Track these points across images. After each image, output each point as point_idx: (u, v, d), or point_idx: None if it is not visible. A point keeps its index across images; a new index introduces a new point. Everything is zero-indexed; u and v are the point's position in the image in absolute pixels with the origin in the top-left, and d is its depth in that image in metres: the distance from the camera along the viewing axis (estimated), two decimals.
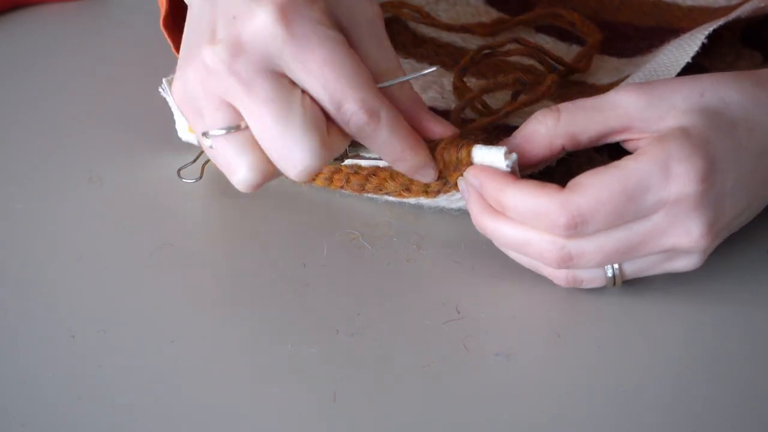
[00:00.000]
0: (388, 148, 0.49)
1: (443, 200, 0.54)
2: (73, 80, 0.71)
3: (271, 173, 0.47)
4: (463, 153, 0.50)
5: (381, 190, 0.55)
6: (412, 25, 0.68)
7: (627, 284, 0.51)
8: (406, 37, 0.67)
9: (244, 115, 0.46)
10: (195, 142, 0.60)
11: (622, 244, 0.47)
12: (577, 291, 0.51)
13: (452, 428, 0.44)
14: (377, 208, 0.57)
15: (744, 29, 0.65)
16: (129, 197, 0.58)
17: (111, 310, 0.50)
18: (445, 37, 0.68)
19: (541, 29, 0.69)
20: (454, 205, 0.54)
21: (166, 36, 0.59)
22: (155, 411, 0.45)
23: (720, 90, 0.49)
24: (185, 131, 0.60)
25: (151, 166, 0.60)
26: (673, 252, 0.48)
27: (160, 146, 0.62)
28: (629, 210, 0.46)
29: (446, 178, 0.51)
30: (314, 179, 0.56)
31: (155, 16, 0.60)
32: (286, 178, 0.47)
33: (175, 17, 0.58)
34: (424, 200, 0.54)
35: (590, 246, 0.48)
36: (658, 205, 0.46)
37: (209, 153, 0.48)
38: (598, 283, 0.50)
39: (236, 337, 0.49)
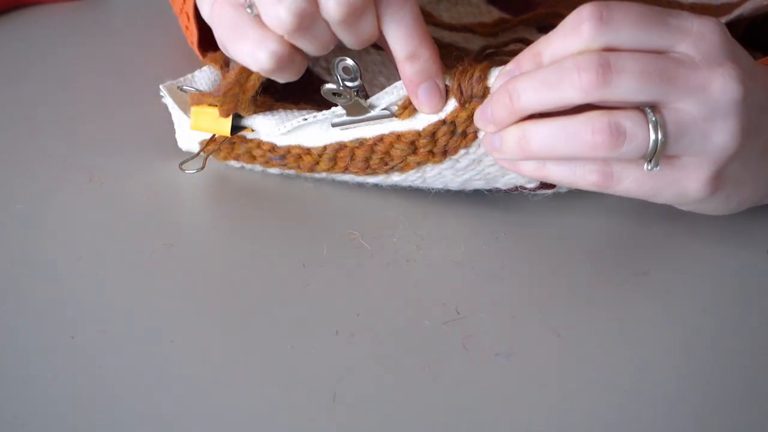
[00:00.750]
0: (409, 37, 0.49)
1: (449, 173, 0.54)
2: (73, 80, 0.71)
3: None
4: (477, 72, 0.50)
5: (389, 159, 0.54)
6: None
7: (625, 284, 0.51)
8: None
9: None
10: (195, 150, 0.60)
11: (658, 65, 0.45)
12: (576, 291, 0.51)
13: (452, 429, 0.44)
14: (377, 208, 0.57)
15: (745, 29, 0.65)
16: (129, 197, 0.58)
17: (111, 311, 0.50)
18: (447, 37, 0.68)
19: (543, 29, 0.69)
20: (459, 179, 0.54)
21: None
22: (155, 411, 0.45)
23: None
24: (185, 141, 0.60)
25: (151, 166, 0.60)
26: (709, 98, 0.46)
27: (160, 146, 0.62)
28: (653, 21, 0.46)
29: (456, 118, 0.51)
30: (318, 163, 0.56)
31: (155, 16, 0.61)
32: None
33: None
34: (429, 171, 0.54)
35: (627, 58, 0.45)
36: (682, 30, 0.46)
37: (247, 32, 0.49)
38: (642, 136, 0.46)
39: (236, 338, 0.49)
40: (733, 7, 0.64)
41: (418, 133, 0.52)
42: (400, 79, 0.51)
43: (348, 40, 0.50)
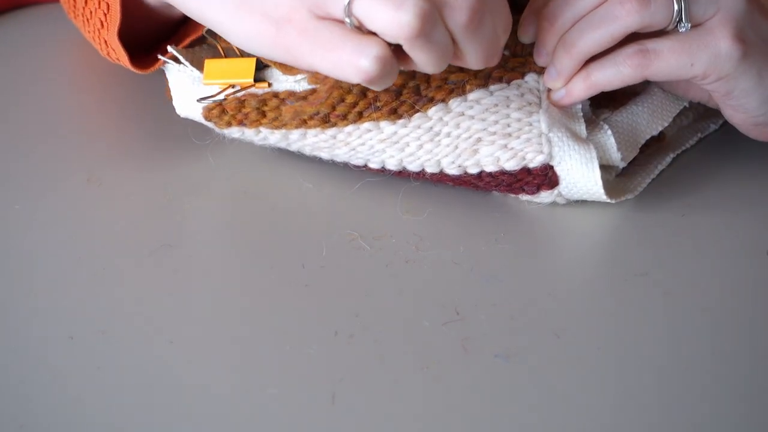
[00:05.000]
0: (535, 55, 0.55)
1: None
2: (72, 80, 0.71)
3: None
4: None
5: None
6: None
7: (625, 284, 0.51)
8: None
9: None
10: (195, 118, 0.59)
11: None
12: (575, 291, 0.51)
13: (451, 430, 0.44)
14: (376, 208, 0.57)
15: None
16: (128, 198, 0.58)
17: (110, 311, 0.50)
18: None
19: None
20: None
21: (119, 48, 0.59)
22: (154, 412, 0.45)
23: None
24: (183, 107, 0.60)
25: (150, 167, 0.60)
26: None
27: (159, 147, 0.62)
28: None
29: None
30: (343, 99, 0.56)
31: None
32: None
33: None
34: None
35: None
36: None
37: (345, 44, 0.47)
38: (666, 5, 0.51)
39: (235, 338, 0.49)
40: None
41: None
42: None
43: (472, 50, 0.49)
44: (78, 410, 0.45)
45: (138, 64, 0.60)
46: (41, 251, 0.55)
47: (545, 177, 0.55)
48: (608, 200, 0.55)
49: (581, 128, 0.55)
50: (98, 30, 0.60)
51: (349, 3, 0.46)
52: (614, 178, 0.58)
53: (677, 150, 0.60)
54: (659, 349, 0.49)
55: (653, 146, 0.60)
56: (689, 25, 0.52)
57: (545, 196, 0.56)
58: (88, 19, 0.61)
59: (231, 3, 0.50)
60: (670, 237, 0.55)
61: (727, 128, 0.60)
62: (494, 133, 0.54)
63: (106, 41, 0.60)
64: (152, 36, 0.62)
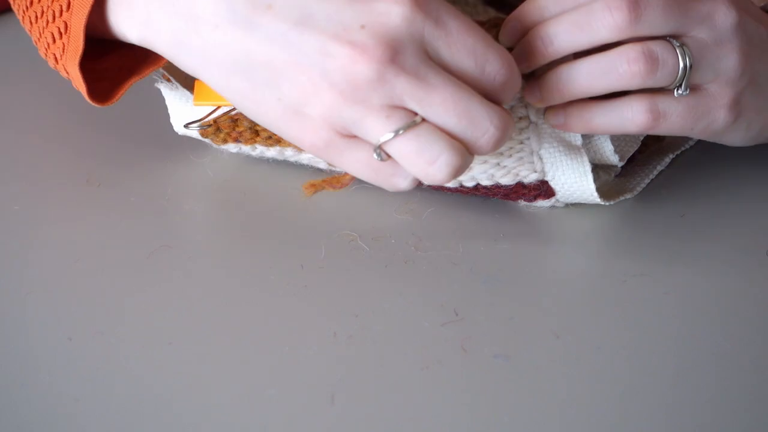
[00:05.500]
0: (525, 91, 0.52)
1: None
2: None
3: (465, 152, 0.47)
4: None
5: None
6: None
7: (625, 284, 0.51)
8: None
9: (419, 109, 0.46)
10: (193, 135, 0.60)
11: None
12: (575, 292, 0.51)
13: (451, 430, 0.44)
14: (375, 209, 0.57)
15: None
16: (127, 199, 0.58)
17: (108, 312, 0.50)
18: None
19: None
20: None
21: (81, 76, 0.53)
22: (153, 413, 0.45)
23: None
24: (180, 126, 0.60)
25: (149, 167, 0.60)
26: (714, 24, 0.51)
27: (158, 148, 0.62)
28: None
29: None
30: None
31: None
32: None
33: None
34: None
35: None
36: None
37: (378, 167, 0.48)
38: (672, 62, 0.50)
39: (234, 339, 0.49)
40: None
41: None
42: None
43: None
44: (77, 411, 0.45)
45: (96, 94, 0.55)
46: (40, 252, 0.55)
47: (541, 190, 0.55)
48: (606, 203, 0.55)
49: (576, 136, 0.54)
50: (49, 45, 0.54)
51: (381, 144, 0.47)
52: (613, 178, 0.58)
53: (676, 150, 0.60)
54: (659, 349, 0.49)
55: (652, 147, 0.60)
56: (687, 91, 0.51)
57: (543, 203, 0.56)
58: (33, 23, 0.55)
59: (246, 83, 0.47)
60: (670, 237, 0.55)
61: None
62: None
63: (65, 68, 0.54)
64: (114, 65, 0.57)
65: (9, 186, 0.59)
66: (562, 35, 0.50)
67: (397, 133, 0.46)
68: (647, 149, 0.60)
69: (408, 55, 0.45)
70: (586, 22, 0.49)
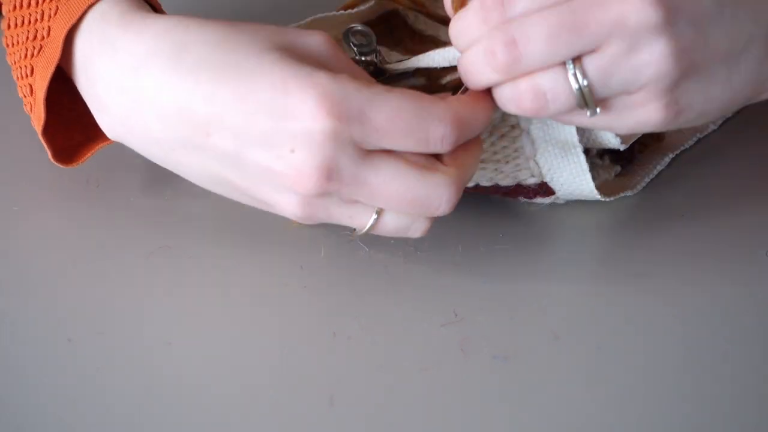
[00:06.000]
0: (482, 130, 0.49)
1: None
2: None
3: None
4: None
5: None
6: (411, 21, 0.67)
7: (625, 284, 0.51)
8: (405, 33, 0.67)
9: (372, 204, 0.47)
10: None
11: (565, 17, 0.43)
12: (574, 292, 0.51)
13: (450, 431, 0.44)
14: None
15: None
16: (126, 199, 0.58)
17: (108, 313, 0.50)
18: (444, 35, 0.67)
19: None
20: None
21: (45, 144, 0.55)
22: (152, 413, 0.45)
23: None
24: None
25: (148, 168, 0.60)
26: (627, 31, 0.43)
27: None
28: None
29: None
30: None
31: None
32: None
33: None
34: None
35: (531, 23, 0.44)
36: None
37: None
38: (565, 94, 0.45)
39: (233, 340, 0.49)
40: None
41: (443, 86, 0.52)
42: None
43: None
44: (77, 411, 0.45)
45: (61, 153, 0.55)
46: (40, 252, 0.55)
47: (540, 190, 0.55)
48: (606, 199, 0.55)
49: (571, 131, 0.53)
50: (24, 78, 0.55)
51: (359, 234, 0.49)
52: (614, 178, 0.58)
53: (676, 150, 0.60)
54: (658, 349, 0.49)
55: (652, 146, 0.60)
56: (598, 111, 0.45)
57: (543, 200, 0.56)
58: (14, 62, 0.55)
59: (219, 188, 0.50)
60: (670, 237, 0.55)
61: (726, 128, 0.60)
62: (485, 161, 0.54)
63: (31, 87, 0.54)
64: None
65: (9, 186, 0.59)
66: (466, 77, 0.47)
67: (363, 228, 0.48)
68: (647, 149, 0.59)
69: (343, 165, 0.45)
70: (474, 69, 0.46)
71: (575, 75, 0.44)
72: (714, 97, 0.47)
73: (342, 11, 0.63)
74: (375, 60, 0.51)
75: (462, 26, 0.47)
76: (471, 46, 0.46)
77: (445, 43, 0.66)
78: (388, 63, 0.52)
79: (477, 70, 0.46)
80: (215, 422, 0.44)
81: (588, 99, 0.45)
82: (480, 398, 0.46)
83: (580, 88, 0.44)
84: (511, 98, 0.46)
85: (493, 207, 0.57)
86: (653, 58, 0.44)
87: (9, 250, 0.55)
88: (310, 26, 0.61)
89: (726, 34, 0.45)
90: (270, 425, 0.44)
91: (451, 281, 0.52)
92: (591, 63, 0.44)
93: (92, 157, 0.59)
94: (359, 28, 0.50)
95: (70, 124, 0.56)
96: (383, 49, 0.64)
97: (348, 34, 0.50)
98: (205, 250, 0.54)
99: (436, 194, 0.46)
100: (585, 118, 0.46)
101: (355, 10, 0.64)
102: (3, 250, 0.55)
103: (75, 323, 0.50)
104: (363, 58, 0.51)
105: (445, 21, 0.67)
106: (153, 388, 0.46)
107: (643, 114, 0.46)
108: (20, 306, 0.51)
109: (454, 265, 0.53)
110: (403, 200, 0.46)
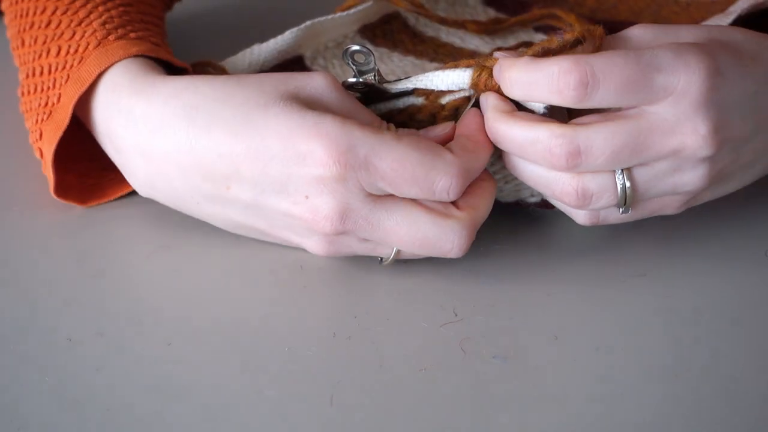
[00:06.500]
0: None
1: None
2: None
3: None
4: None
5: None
6: (412, 23, 0.67)
7: (625, 284, 0.51)
8: (405, 35, 0.67)
9: (390, 244, 0.50)
10: None
11: (630, 138, 0.47)
12: (573, 293, 0.51)
13: (450, 431, 0.44)
14: None
15: (742, 24, 0.64)
16: (126, 200, 0.58)
17: (108, 313, 0.50)
18: (444, 36, 0.67)
19: (539, 29, 0.68)
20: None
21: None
22: (152, 414, 0.45)
23: (724, 31, 0.50)
24: None
25: None
26: (680, 157, 0.48)
27: None
28: (639, 83, 0.46)
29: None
30: None
31: None
32: None
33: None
34: None
35: (598, 137, 0.47)
36: (667, 91, 0.47)
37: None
38: (608, 197, 0.49)
39: (233, 340, 0.49)
40: (729, 3, 0.64)
41: (442, 106, 0.52)
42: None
43: None
44: (77, 412, 0.45)
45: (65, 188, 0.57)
46: (40, 252, 0.55)
47: (542, 204, 0.55)
48: None
49: None
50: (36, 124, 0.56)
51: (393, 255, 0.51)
52: None
53: None
54: (658, 349, 0.49)
55: None
56: (630, 211, 0.50)
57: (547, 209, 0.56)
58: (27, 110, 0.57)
59: (251, 233, 0.54)
60: (670, 237, 0.55)
61: None
62: None
63: (40, 150, 0.56)
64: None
65: (9, 186, 0.59)
66: (510, 159, 0.50)
67: (388, 258, 0.51)
68: None
69: (355, 209, 0.48)
70: (525, 154, 0.49)
71: (624, 183, 0.48)
72: (725, 192, 0.52)
73: (341, 13, 0.63)
74: (374, 80, 0.51)
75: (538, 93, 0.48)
76: (536, 133, 0.48)
77: (446, 44, 0.67)
78: (387, 81, 0.52)
79: (527, 156, 0.49)
80: (216, 422, 0.44)
81: (629, 202, 0.49)
82: (480, 398, 0.46)
83: (625, 194, 0.49)
84: (553, 189, 0.49)
85: (494, 208, 0.57)
86: (695, 178, 0.49)
87: (9, 250, 0.55)
88: (309, 30, 0.61)
89: (753, 150, 0.51)
90: (270, 425, 0.44)
91: (451, 281, 0.52)
92: (639, 175, 0.48)
93: None
94: (357, 48, 0.50)
95: (84, 178, 0.58)
96: (383, 50, 0.65)
97: (346, 53, 0.50)
98: (205, 250, 0.54)
99: (448, 239, 0.49)
100: (615, 213, 0.50)
101: (353, 10, 0.64)
102: (3, 251, 0.55)
103: (74, 324, 0.50)
104: (362, 79, 0.51)
105: (445, 21, 0.67)
106: (153, 388, 0.46)
107: (659, 208, 0.51)
108: (20, 307, 0.51)
109: (453, 266, 0.53)
110: (415, 242, 0.49)
